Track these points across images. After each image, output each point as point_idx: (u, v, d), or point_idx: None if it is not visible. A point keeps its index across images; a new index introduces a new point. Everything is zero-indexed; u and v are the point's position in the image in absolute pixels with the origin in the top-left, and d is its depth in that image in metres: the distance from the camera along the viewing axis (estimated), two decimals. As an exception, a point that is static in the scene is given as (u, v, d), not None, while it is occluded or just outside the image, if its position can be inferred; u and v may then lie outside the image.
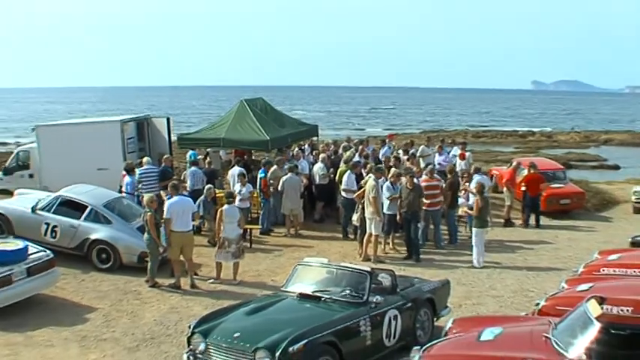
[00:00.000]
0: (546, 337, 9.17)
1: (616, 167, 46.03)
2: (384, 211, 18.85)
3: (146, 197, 16.77)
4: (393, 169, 20.19)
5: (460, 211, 21.46)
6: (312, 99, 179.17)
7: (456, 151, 27.03)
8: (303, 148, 25.86)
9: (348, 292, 11.52)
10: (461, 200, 21.57)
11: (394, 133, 40.83)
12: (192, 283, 15.88)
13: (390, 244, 19.84)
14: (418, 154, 25.76)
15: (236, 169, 21.16)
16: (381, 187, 18.48)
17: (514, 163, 26.48)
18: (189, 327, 10.81)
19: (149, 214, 15.76)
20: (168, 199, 16.21)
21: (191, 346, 10.58)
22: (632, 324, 10.35)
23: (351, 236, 19.84)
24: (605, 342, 8.95)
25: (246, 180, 20.23)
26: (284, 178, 20.94)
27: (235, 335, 10.19)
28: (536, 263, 18.70)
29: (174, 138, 26.46)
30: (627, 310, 11.33)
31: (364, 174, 20.24)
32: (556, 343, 8.96)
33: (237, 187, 20.00)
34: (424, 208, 19.40)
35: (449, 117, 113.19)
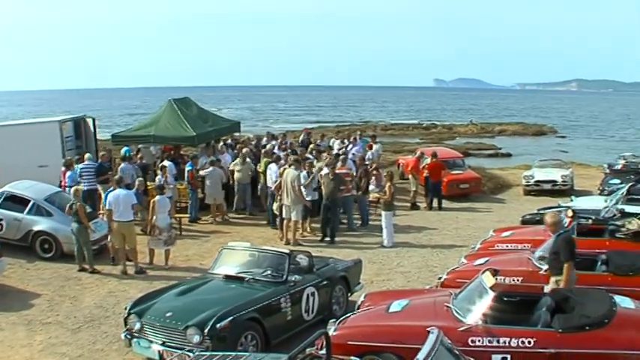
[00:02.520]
0: (447, 306, 9.37)
1: (509, 155, 46.78)
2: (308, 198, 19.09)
3: (73, 189, 16.70)
4: (308, 161, 20.44)
5: (371, 197, 21.71)
6: (235, 98, 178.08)
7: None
8: (227, 143, 25.82)
9: (269, 272, 11.59)
10: (371, 187, 21.82)
11: (310, 128, 40.86)
12: (136, 269, 15.81)
13: (308, 228, 19.94)
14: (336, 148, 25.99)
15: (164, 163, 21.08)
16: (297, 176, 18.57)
17: (418, 153, 26.81)
18: (126, 309, 10.80)
19: (79, 204, 15.71)
20: (109, 192, 16.13)
21: (128, 326, 10.57)
22: (522, 292, 10.69)
23: (277, 221, 19.86)
24: (499, 308, 9.20)
25: (167, 172, 20.13)
26: (207, 170, 20.98)
27: (167, 315, 10.22)
28: (439, 242, 18.97)
29: (108, 136, 26.25)
30: (518, 280, 11.71)
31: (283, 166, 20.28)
32: (456, 311, 9.17)
33: (158, 178, 19.85)
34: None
35: (361, 112, 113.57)
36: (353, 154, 24.81)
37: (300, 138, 29.28)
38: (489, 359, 8.62)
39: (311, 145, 25.26)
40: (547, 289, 10.48)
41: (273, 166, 20.26)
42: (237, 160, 21.47)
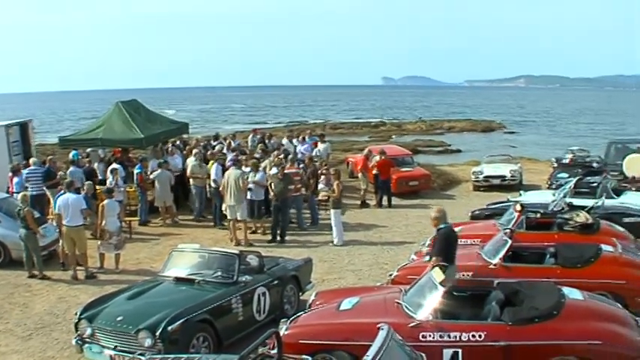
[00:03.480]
0: (398, 303, 9.45)
1: (458, 151, 47.13)
2: (252, 197, 19.16)
3: (20, 195, 16.45)
4: (252, 161, 20.53)
5: (320, 196, 21.76)
6: (184, 99, 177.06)
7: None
8: (176, 144, 25.70)
9: (219, 273, 11.58)
10: (320, 185, 21.87)
11: (259, 128, 40.78)
12: (87, 274, 15.66)
13: (261, 228, 19.94)
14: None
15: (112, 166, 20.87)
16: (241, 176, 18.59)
17: (366, 151, 26.86)
18: (76, 314, 10.70)
19: (27, 209, 15.50)
20: (58, 196, 15.98)
21: (79, 332, 10.47)
22: (472, 286, 10.81)
23: (225, 223, 19.78)
24: (449, 303, 9.30)
25: (118, 175, 20.04)
26: (155, 173, 20.85)
27: (118, 319, 10.16)
28: (389, 239, 19.05)
29: (55, 140, 26.00)
30: (468, 275, 11.83)
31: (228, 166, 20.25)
32: (406, 307, 9.24)
33: (108, 181, 19.76)
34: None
35: (311, 111, 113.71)
36: (302, 153, 24.88)
37: (249, 138, 29.28)
38: (440, 354, 8.71)
39: (259, 145, 25.27)
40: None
41: (216, 166, 20.29)
42: (195, 163, 21.29)
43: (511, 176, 27.71)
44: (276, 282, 12.32)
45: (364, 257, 16.98)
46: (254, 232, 19.74)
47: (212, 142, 27.16)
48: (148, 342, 9.66)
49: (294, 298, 12.89)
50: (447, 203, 25.22)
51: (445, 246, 11.04)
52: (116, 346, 9.95)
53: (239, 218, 18.55)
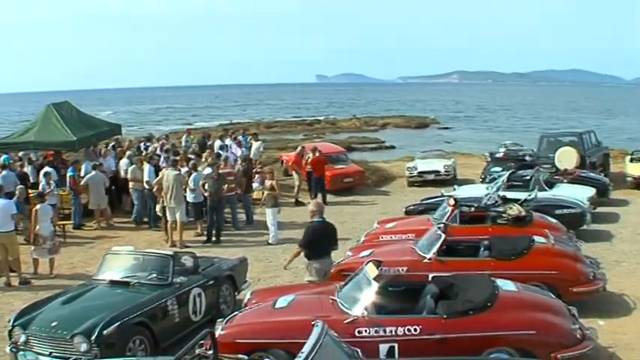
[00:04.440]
0: (333, 299, 9.48)
1: (392, 147, 47.54)
2: (189, 199, 19.13)
3: None
4: (191, 162, 20.48)
5: (254, 194, 21.74)
6: (117, 100, 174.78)
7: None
8: (109, 146, 25.45)
9: (154, 275, 11.51)
10: (255, 184, 21.84)
11: (192, 128, 40.69)
12: (20, 280, 15.45)
13: (199, 229, 19.85)
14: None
15: (44, 169, 20.59)
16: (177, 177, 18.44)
17: (299, 149, 26.94)
18: (10, 321, 10.54)
19: None
20: None
21: (13, 339, 10.29)
22: (407, 281, 10.91)
23: (160, 224, 19.65)
24: (384, 298, 9.37)
25: (51, 178, 19.78)
26: (89, 175, 20.62)
27: (53, 324, 10.02)
28: (324, 236, 19.01)
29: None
30: (402, 270, 11.93)
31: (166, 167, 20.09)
32: (341, 303, 9.28)
33: (41, 185, 19.45)
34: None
35: (245, 110, 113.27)
36: (233, 153, 24.86)
37: (183, 138, 29.19)
38: (377, 349, 8.76)
39: (193, 145, 25.20)
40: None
41: (149, 167, 20.17)
42: (134, 166, 21.02)
43: (445, 171, 28.13)
44: (211, 282, 12.30)
45: (300, 255, 16.93)
46: (199, 235, 19.65)
47: (145, 143, 26.96)
48: (83, 347, 9.56)
49: (230, 298, 12.87)
50: (382, 199, 25.50)
51: (310, 240, 11.64)
52: (51, 353, 9.83)
53: (179, 220, 18.43)
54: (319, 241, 11.67)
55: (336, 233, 12.07)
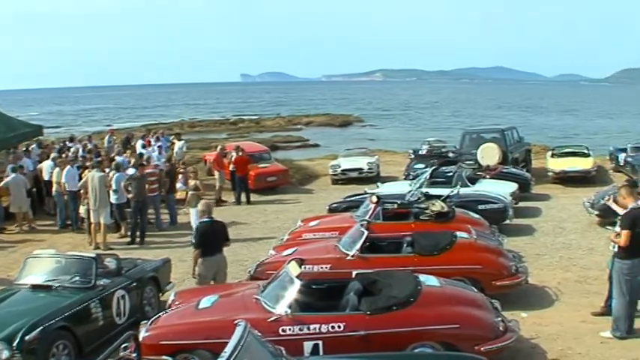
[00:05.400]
0: (256, 298, 9.47)
1: (316, 145, 47.86)
2: (112, 200, 18.79)
3: None
4: (114, 162, 20.32)
5: (178, 195, 21.62)
6: (38, 101, 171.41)
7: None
8: (31, 148, 25.02)
9: (76, 278, 11.33)
10: (178, 185, 21.72)
11: (115, 128, 40.25)
12: None
13: (123, 230, 19.64)
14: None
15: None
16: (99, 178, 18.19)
17: (219, 148, 26.89)
18: None
19: None
20: None
21: None
22: (330, 278, 10.96)
23: (83, 227, 19.40)
24: (307, 296, 9.41)
25: None
26: (9, 178, 20.24)
27: (-26, 331, 9.82)
28: (248, 235, 19.08)
29: None
30: (326, 267, 11.99)
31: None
32: (264, 302, 9.27)
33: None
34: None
35: (169, 110, 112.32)
36: (156, 152, 24.70)
37: (106, 139, 28.90)
38: (301, 347, 8.79)
39: (116, 146, 24.98)
40: None
41: (69, 169, 19.87)
42: (57, 168, 20.61)
43: (368, 169, 28.38)
44: (135, 284, 12.17)
45: (224, 254, 16.91)
46: (123, 237, 19.45)
47: (67, 143, 26.59)
48: (4, 354, 9.35)
49: (154, 300, 12.77)
50: (306, 197, 25.59)
51: (200, 239, 11.99)
52: (-29, 360, 9.66)
53: (102, 222, 18.20)
54: (209, 239, 12.04)
55: (225, 231, 12.53)
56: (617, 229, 10.67)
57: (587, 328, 11.02)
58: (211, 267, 12.10)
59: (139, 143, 26.75)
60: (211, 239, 12.07)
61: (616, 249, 10.62)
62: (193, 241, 12.29)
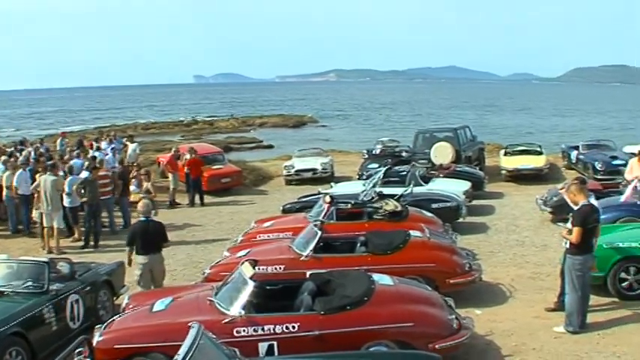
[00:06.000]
0: (210, 300, 9.45)
1: (270, 147, 47.86)
2: (65, 204, 18.65)
3: None
4: (67, 165, 20.17)
5: (132, 197, 21.49)
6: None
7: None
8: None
9: (29, 283, 11.19)
10: (132, 187, 21.60)
11: (67, 131, 39.96)
12: None
13: (77, 234, 19.47)
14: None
15: None
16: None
17: (173, 150, 26.91)
18: None
19: None
20: None
21: None
22: (284, 279, 10.98)
23: (35, 231, 19.27)
24: (261, 297, 9.44)
25: None
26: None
27: None
28: (203, 237, 19.12)
29: None
30: (280, 268, 12.02)
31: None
32: (218, 304, 9.26)
33: None
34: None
35: (123, 112, 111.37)
36: (108, 154, 24.54)
37: (58, 142, 28.66)
38: (256, 348, 8.79)
39: (68, 149, 24.78)
40: None
41: (20, 173, 19.61)
42: (8, 172, 20.30)
43: (322, 169, 28.51)
44: (88, 288, 12.05)
45: (178, 257, 16.84)
46: (77, 240, 19.27)
47: (18, 147, 26.34)
48: (-44, 361, 9.25)
49: (108, 303, 12.68)
50: (260, 198, 25.63)
51: (131, 237, 12.49)
52: None
53: (56, 226, 18.06)
54: (142, 238, 12.39)
55: (162, 231, 12.92)
56: (569, 225, 10.87)
57: (541, 323, 11.18)
58: (147, 265, 12.38)
59: (103, 144, 26.65)
60: (145, 238, 12.37)
61: (568, 245, 10.82)
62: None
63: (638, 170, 16.95)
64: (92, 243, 18.67)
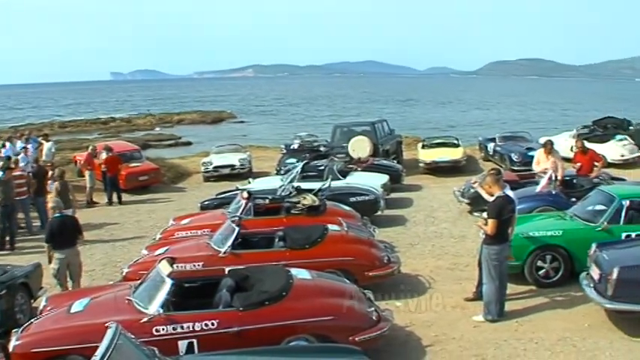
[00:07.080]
0: (128, 299, 9.38)
1: (189, 143, 47.58)
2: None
3: None
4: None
5: (49, 197, 21.16)
6: None
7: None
8: None
9: (-58, 287, 10.98)
10: (50, 187, 21.28)
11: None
12: None
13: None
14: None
15: None
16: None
17: (90, 148, 26.54)
18: None
19: None
20: None
21: None
22: (202, 276, 10.96)
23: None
24: (179, 295, 9.42)
25: None
26: None
27: None
28: (121, 236, 18.96)
29: None
30: (198, 265, 11.99)
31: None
32: (137, 303, 9.20)
33: None
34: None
35: (38, 111, 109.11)
36: (22, 153, 24.10)
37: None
38: (176, 346, 8.77)
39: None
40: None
41: None
42: None
43: (240, 165, 28.49)
44: (4, 291, 11.79)
45: (96, 257, 16.74)
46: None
47: None
48: None
49: (25, 306, 12.41)
50: (178, 196, 25.53)
51: (49, 234, 12.63)
52: None
53: None
54: (59, 233, 12.56)
55: (77, 225, 13.20)
56: (485, 215, 11.10)
57: (460, 313, 11.41)
58: (65, 260, 12.58)
59: (7, 145, 26.09)
60: (63, 234, 12.56)
61: (484, 236, 11.04)
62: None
63: (545, 161, 17.35)
64: (8, 245, 18.31)
